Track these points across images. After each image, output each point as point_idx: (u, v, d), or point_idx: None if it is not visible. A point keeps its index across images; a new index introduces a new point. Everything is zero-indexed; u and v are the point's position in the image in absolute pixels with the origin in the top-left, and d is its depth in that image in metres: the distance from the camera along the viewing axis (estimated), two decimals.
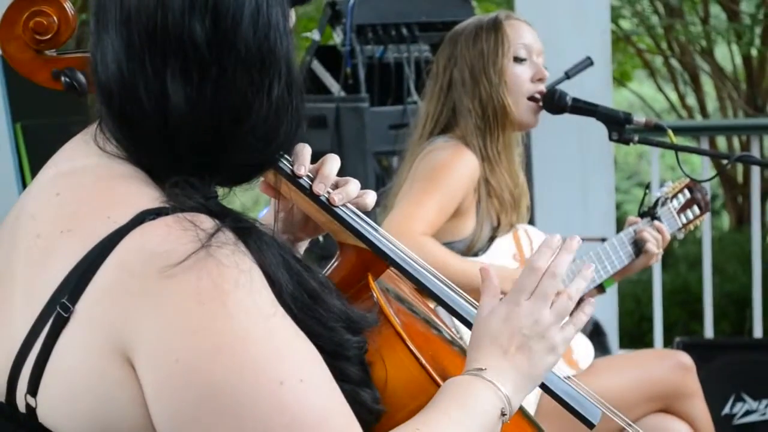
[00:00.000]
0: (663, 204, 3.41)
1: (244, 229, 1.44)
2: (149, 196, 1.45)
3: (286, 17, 1.50)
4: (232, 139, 1.48)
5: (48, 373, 1.42)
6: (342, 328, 1.51)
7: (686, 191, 3.46)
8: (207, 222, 1.41)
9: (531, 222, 4.64)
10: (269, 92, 1.48)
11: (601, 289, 3.36)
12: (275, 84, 1.48)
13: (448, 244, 3.18)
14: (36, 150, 4.25)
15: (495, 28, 3.25)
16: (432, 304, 1.82)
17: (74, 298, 1.41)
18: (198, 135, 1.46)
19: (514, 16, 3.35)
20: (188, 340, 1.37)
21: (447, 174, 3.16)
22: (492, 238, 3.29)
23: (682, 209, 3.45)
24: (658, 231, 3.34)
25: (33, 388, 1.43)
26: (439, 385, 1.57)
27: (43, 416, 1.44)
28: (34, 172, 1.47)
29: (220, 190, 1.55)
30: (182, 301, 1.37)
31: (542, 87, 3.26)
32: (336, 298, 1.54)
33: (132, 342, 1.38)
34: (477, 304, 1.74)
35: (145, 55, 1.45)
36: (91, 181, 1.49)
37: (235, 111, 1.47)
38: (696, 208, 3.47)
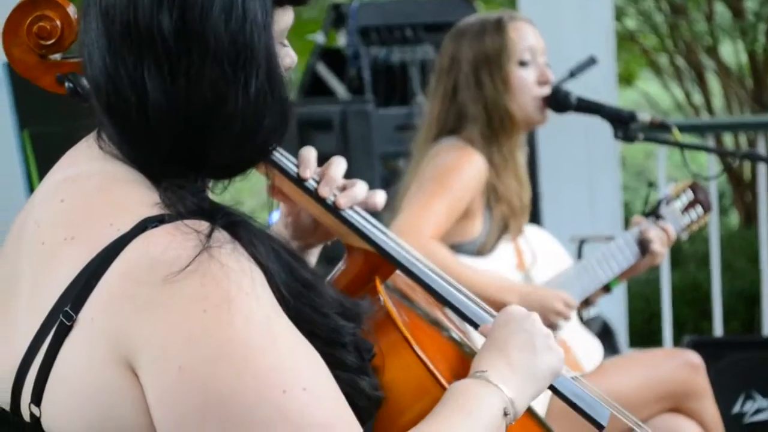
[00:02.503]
0: (667, 204, 3.40)
1: (234, 223, 1.44)
2: (149, 201, 1.45)
3: (266, 12, 1.48)
4: (211, 134, 1.47)
5: (51, 381, 1.42)
6: (336, 314, 1.51)
7: (689, 191, 3.45)
8: (204, 224, 1.41)
9: (538, 222, 4.65)
10: (246, 86, 1.46)
11: (606, 289, 3.35)
12: (252, 78, 1.47)
13: (457, 246, 3.18)
14: (44, 157, 4.23)
15: (499, 31, 3.23)
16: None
17: (77, 306, 1.40)
18: (178, 129, 1.46)
19: (519, 17, 3.33)
20: (192, 348, 1.36)
21: (454, 176, 3.15)
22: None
23: (686, 209, 3.44)
24: (663, 230, 3.33)
25: (37, 397, 1.43)
26: (444, 388, 1.57)
27: (48, 425, 1.44)
28: (42, 179, 1.47)
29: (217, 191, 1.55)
30: (186, 307, 1.37)
31: (547, 89, 3.24)
32: (328, 287, 1.54)
33: (135, 349, 1.37)
34: (485, 307, 1.74)
35: (124, 50, 1.46)
36: (94, 187, 1.49)
37: (208, 104, 1.46)
38: (699, 208, 3.45)
